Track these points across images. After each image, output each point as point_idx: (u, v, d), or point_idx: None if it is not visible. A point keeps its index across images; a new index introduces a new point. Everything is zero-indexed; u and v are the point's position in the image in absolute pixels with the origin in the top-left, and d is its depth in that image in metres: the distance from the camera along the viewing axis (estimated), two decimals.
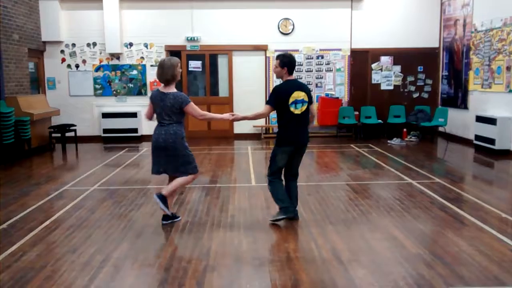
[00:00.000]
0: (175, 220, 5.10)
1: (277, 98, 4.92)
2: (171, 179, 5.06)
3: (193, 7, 11.67)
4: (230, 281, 3.65)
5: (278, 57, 5.04)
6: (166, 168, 4.92)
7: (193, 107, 4.86)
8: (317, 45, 11.94)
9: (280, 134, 5.05)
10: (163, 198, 4.86)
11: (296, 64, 5.35)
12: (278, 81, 12.54)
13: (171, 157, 4.84)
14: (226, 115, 5.13)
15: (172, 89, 4.82)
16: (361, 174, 7.60)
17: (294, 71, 5.13)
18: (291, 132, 4.97)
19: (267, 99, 5.10)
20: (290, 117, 4.93)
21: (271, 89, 11.92)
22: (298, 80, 5.29)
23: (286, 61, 4.96)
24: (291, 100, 4.87)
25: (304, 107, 4.95)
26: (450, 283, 3.54)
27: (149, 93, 11.74)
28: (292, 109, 4.90)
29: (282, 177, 5.17)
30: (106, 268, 3.89)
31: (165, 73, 4.76)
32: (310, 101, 5.03)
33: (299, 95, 4.90)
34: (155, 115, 4.96)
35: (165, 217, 5.04)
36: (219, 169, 8.09)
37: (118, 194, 6.41)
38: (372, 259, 4.03)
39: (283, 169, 5.14)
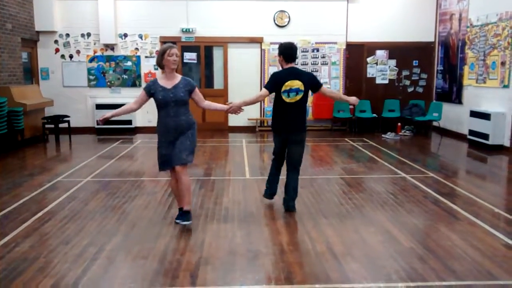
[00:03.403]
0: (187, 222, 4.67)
1: (272, 84, 5.04)
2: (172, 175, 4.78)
3: None
4: (224, 273, 3.65)
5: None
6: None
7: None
8: (312, 38, 11.91)
9: (272, 120, 5.28)
10: (188, 214, 4.65)
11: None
12: None
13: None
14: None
15: (159, 76, 4.79)
16: (355, 168, 7.62)
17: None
18: (278, 119, 5.13)
19: (266, 83, 5.20)
20: (281, 105, 5.07)
21: (266, 81, 11.88)
22: (299, 68, 5.26)
23: (281, 49, 5.11)
24: (283, 88, 4.98)
25: (299, 97, 5.02)
26: (443, 277, 3.56)
27: (143, 85, 11.73)
28: (284, 97, 5.01)
29: (284, 167, 5.35)
30: (99, 260, 3.88)
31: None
32: (315, 88, 5.09)
33: (293, 84, 4.96)
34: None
35: (182, 216, 4.70)
36: (213, 162, 8.08)
37: (112, 186, 6.38)
38: (365, 252, 4.05)
39: (285, 159, 5.26)
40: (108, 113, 4.71)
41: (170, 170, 4.76)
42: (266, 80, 11.69)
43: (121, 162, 8.13)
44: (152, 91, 4.61)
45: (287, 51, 5.06)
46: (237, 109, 4.93)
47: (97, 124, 4.75)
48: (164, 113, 4.61)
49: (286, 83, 4.95)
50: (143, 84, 11.73)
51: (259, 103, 11.96)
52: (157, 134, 4.73)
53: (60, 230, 4.62)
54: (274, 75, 5.11)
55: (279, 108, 5.08)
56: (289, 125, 5.07)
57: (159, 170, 4.77)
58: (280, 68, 5.19)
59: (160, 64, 4.61)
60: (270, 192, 5.44)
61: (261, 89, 11.78)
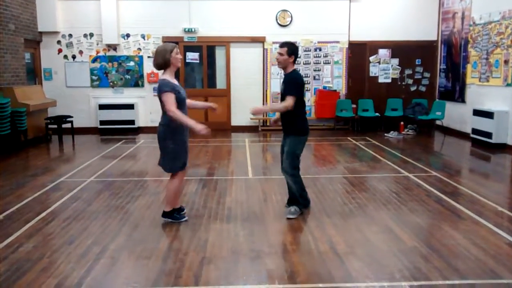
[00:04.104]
0: (181, 220, 4.86)
1: (301, 89, 4.87)
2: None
3: None
4: (227, 273, 3.65)
5: (284, 44, 4.86)
6: (159, 161, 4.75)
7: (166, 98, 4.41)
8: (315, 37, 11.90)
9: (300, 124, 4.93)
10: (169, 214, 4.79)
11: None
12: (275, 73, 12.48)
13: (160, 150, 4.67)
14: (199, 127, 4.38)
15: (163, 76, 4.56)
16: (358, 167, 7.61)
17: None
18: (306, 121, 5.02)
19: (293, 90, 4.79)
20: (303, 107, 4.99)
21: (268, 81, 11.92)
22: None
23: (294, 49, 4.87)
24: (305, 89, 4.92)
25: None
26: (446, 276, 3.55)
27: (146, 85, 11.81)
28: (304, 98, 4.98)
29: None
30: (102, 260, 3.89)
31: (156, 58, 4.53)
32: None
33: None
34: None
35: (165, 214, 4.84)
36: (216, 162, 8.08)
37: (115, 186, 6.39)
38: (369, 251, 4.04)
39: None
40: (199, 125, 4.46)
41: (179, 172, 4.74)
42: (269, 80, 11.82)
43: (124, 162, 8.14)
44: (175, 90, 4.48)
45: (297, 53, 4.94)
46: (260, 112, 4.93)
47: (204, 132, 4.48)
48: (184, 112, 4.54)
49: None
50: (146, 84, 11.78)
51: (261, 102, 11.97)
52: (175, 135, 4.56)
53: (63, 230, 4.63)
54: (301, 79, 4.91)
55: (304, 111, 4.99)
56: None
57: (181, 169, 4.71)
58: (281, 68, 4.97)
59: (167, 63, 4.49)
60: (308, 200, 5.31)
61: (263, 88, 11.85)
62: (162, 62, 4.50)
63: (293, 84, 4.84)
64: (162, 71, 4.61)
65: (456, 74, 11.06)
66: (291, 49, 4.83)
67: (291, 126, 4.93)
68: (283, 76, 5.09)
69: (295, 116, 4.88)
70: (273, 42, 11.74)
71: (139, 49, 11.78)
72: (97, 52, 11.74)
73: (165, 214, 4.83)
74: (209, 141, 10.27)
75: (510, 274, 3.60)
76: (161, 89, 4.45)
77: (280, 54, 4.84)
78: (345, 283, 3.48)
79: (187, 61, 11.86)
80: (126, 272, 3.69)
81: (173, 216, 4.83)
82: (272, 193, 5.91)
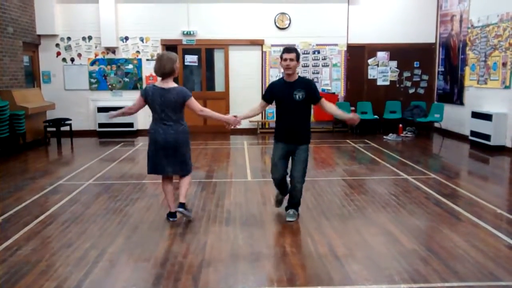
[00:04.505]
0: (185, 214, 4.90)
1: None
2: (165, 179, 4.94)
3: (189, 1, 11.61)
4: (226, 276, 3.64)
5: (293, 50, 4.75)
6: (173, 169, 4.79)
7: (193, 101, 4.75)
8: (313, 40, 11.92)
9: (310, 130, 4.95)
10: (184, 205, 4.82)
11: None
12: (274, 76, 12.50)
13: (178, 157, 4.75)
14: (230, 118, 5.05)
15: (173, 84, 4.71)
16: (357, 169, 7.61)
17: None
18: None
19: (318, 93, 4.94)
20: None
21: (267, 84, 11.89)
22: None
23: (299, 54, 4.86)
24: None
25: None
26: (445, 279, 3.55)
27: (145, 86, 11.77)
28: None
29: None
30: (101, 263, 3.88)
31: (163, 66, 4.62)
32: None
33: None
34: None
35: (184, 205, 4.86)
36: (215, 164, 8.08)
37: (114, 189, 6.38)
38: (368, 254, 4.04)
39: (285, 168, 4.98)
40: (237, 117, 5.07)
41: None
42: (267, 83, 11.82)
43: (122, 164, 8.14)
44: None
45: None
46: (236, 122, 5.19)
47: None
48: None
49: None
50: (145, 86, 11.76)
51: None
52: (188, 140, 4.87)
53: (62, 233, 4.62)
54: None
55: None
56: None
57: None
58: (290, 74, 4.77)
59: (173, 72, 4.68)
60: None
61: (262, 91, 11.85)
62: (170, 70, 4.67)
63: (316, 89, 4.94)
64: (160, 78, 4.75)
65: (454, 77, 11.08)
66: (298, 54, 4.78)
67: (306, 135, 4.87)
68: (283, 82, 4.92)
69: (309, 123, 4.93)
70: (272, 45, 11.77)
71: (138, 52, 11.78)
72: (96, 55, 11.73)
73: (184, 206, 4.81)
74: (208, 144, 10.27)
75: (509, 276, 3.60)
76: (187, 94, 4.71)
77: (291, 59, 4.68)
78: (344, 286, 3.47)
79: (185, 64, 11.87)
80: (124, 275, 3.68)
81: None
82: (271, 196, 5.89)
